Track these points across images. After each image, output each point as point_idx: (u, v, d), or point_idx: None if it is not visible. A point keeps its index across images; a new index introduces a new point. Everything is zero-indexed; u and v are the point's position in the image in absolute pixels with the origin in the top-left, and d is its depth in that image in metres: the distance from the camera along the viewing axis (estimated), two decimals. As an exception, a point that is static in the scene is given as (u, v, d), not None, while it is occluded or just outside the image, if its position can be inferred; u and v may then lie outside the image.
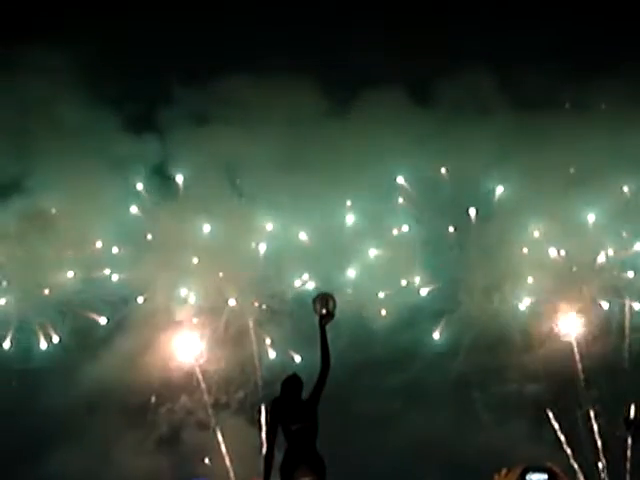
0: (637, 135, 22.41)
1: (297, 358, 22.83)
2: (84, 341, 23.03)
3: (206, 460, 22.69)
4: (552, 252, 23.55)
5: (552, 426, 23.03)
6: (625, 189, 23.44)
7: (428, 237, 23.79)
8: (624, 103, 22.52)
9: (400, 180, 23.96)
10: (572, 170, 23.11)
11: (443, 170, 23.84)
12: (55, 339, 22.96)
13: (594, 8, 23.59)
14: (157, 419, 23.09)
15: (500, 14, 23.80)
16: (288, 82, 22.83)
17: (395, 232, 23.81)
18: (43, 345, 22.89)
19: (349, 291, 23.28)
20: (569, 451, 22.72)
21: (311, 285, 23.23)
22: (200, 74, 23.18)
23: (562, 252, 23.50)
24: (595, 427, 22.90)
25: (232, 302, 23.50)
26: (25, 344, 22.84)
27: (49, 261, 22.62)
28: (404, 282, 23.53)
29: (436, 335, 23.50)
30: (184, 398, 23.22)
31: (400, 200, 23.99)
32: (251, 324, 23.51)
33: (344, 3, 24.42)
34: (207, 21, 23.99)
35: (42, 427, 21.30)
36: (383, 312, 23.24)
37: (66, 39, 22.15)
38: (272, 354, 23.38)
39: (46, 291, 22.83)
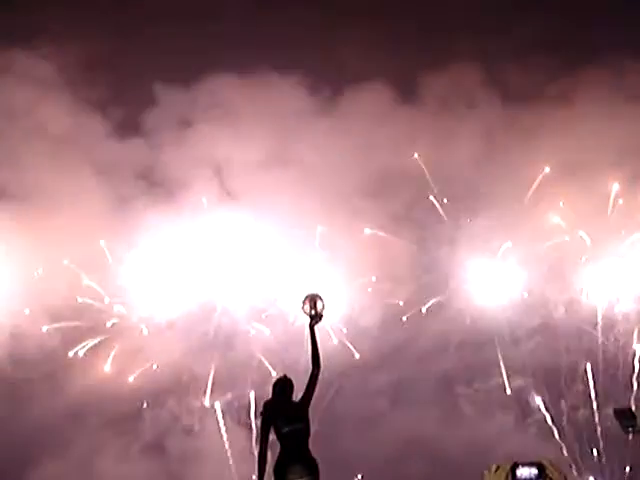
0: (622, 127, 22.44)
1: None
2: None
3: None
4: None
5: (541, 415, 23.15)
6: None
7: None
8: (609, 96, 22.58)
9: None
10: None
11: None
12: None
13: (578, 3, 23.68)
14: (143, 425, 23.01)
15: (485, 10, 23.85)
16: (274, 81, 22.81)
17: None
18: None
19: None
20: (560, 442, 22.86)
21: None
22: (184, 76, 23.12)
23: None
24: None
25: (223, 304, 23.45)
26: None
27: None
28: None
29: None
30: (171, 402, 23.10)
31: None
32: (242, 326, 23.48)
33: (330, 2, 24.40)
34: (190, 23, 23.93)
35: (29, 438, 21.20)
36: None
37: (50, 45, 22.07)
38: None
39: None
